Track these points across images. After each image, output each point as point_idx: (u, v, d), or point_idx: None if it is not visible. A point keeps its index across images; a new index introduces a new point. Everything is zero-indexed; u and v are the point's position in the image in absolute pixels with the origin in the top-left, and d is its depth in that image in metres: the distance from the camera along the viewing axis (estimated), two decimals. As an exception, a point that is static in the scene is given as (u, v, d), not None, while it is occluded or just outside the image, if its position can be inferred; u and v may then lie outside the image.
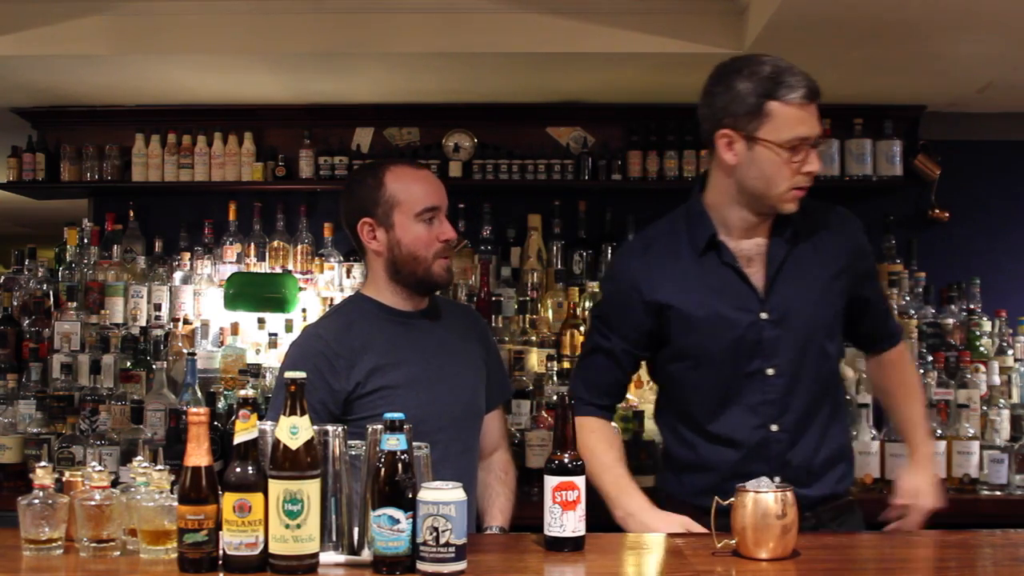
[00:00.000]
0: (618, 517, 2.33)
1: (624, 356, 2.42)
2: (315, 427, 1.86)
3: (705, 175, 2.44)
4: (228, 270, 4.20)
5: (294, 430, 1.81)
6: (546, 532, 1.98)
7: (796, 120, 2.21)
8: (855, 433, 3.46)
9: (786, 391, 2.31)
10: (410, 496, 1.81)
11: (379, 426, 1.86)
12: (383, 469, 1.81)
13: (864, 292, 2.42)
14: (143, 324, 4.05)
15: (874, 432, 3.53)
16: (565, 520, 1.96)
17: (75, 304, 3.99)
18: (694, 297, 2.32)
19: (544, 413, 3.60)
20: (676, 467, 2.45)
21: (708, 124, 2.32)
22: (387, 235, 2.43)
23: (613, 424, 2.55)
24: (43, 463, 2.02)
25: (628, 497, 2.34)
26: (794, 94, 2.21)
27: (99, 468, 1.96)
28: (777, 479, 2.25)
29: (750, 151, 2.24)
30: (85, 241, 4.26)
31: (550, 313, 4.10)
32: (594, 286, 4.16)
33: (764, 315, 2.30)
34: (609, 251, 4.26)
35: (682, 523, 2.25)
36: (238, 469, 1.80)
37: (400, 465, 1.81)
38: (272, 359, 3.93)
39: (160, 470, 1.93)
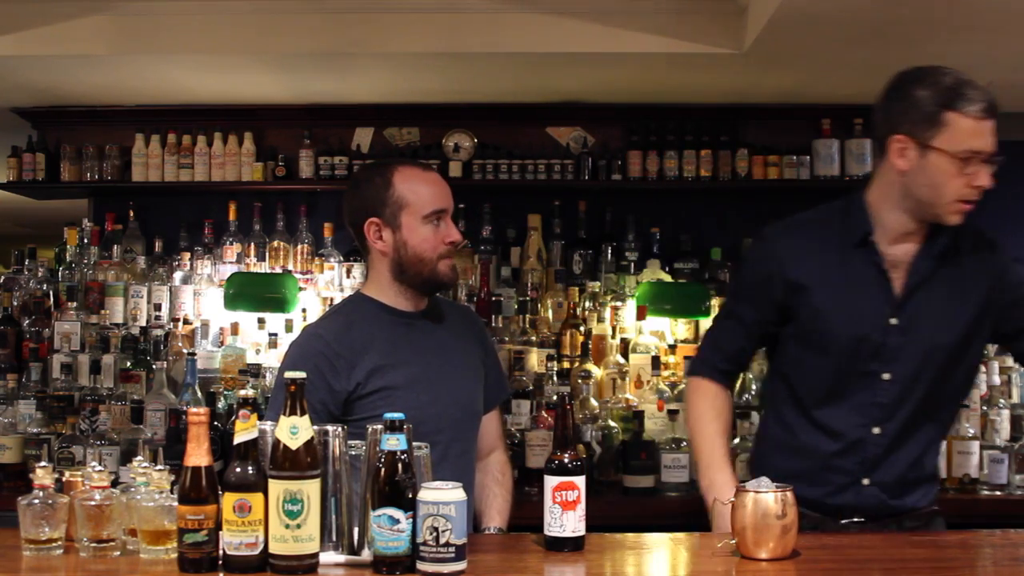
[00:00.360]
0: (702, 486, 2.39)
1: (754, 327, 2.45)
2: (315, 427, 1.86)
3: (871, 174, 2.44)
4: (228, 270, 4.20)
5: (294, 430, 1.81)
6: (546, 532, 1.98)
7: (972, 132, 2.24)
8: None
9: (897, 399, 2.32)
10: (410, 496, 1.81)
11: (379, 426, 1.86)
12: (383, 469, 1.81)
13: (1016, 314, 2.40)
14: (143, 324, 4.05)
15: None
16: (565, 520, 1.96)
17: (75, 304, 3.99)
18: (831, 286, 2.34)
19: (544, 413, 3.60)
20: (771, 447, 2.48)
21: (883, 129, 2.32)
22: (393, 236, 2.42)
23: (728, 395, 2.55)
24: (43, 463, 2.02)
25: (715, 471, 2.38)
26: (973, 107, 2.23)
27: (99, 468, 1.96)
28: (866, 481, 2.33)
29: (922, 159, 2.25)
30: (85, 241, 4.26)
31: (550, 313, 4.10)
32: (594, 286, 4.17)
33: (894, 320, 2.31)
34: (609, 251, 4.26)
35: None
36: (238, 469, 1.80)
37: (400, 465, 1.81)
38: (272, 359, 3.93)
39: (160, 470, 1.93)
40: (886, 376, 2.31)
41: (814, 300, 2.34)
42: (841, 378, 2.34)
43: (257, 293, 4.08)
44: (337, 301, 3.91)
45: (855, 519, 2.35)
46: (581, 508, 1.97)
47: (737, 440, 3.63)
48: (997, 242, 2.46)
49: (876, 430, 2.32)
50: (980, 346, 2.43)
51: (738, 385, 3.88)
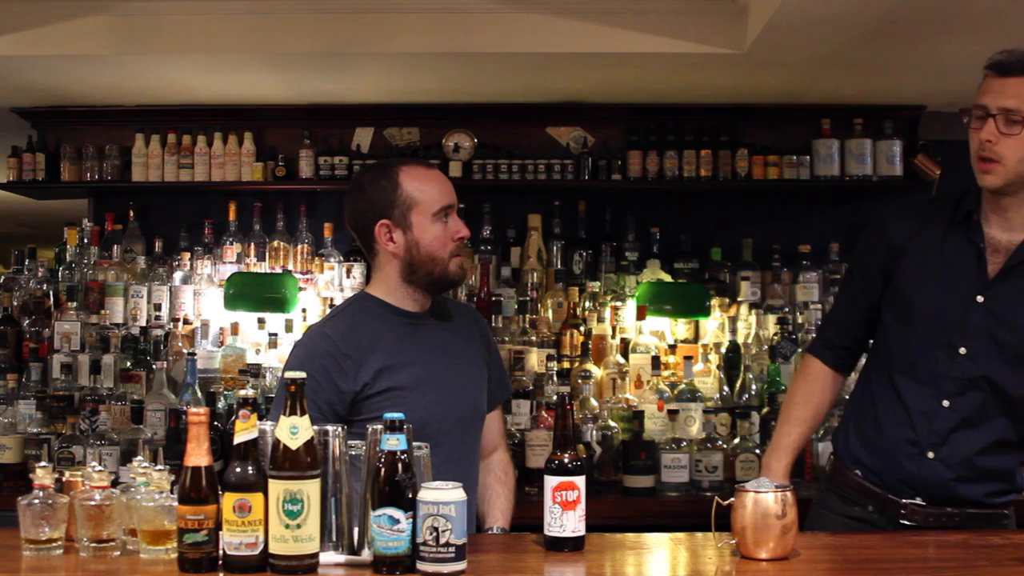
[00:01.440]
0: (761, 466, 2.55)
1: (862, 298, 2.50)
2: (315, 427, 1.86)
3: None
4: (228, 270, 4.20)
5: (294, 430, 1.81)
6: (546, 532, 1.98)
7: (983, 88, 2.30)
8: None
9: (970, 376, 2.34)
10: (410, 496, 1.81)
11: (379, 426, 1.86)
12: (383, 469, 1.81)
13: None
14: (143, 324, 4.05)
15: None
16: (565, 520, 1.96)
17: (75, 304, 3.99)
18: (926, 256, 2.40)
19: (544, 413, 3.60)
20: (853, 412, 2.53)
21: None
22: (405, 236, 2.42)
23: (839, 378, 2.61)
24: (43, 463, 2.02)
25: (773, 457, 2.51)
26: (988, 63, 2.30)
27: (99, 468, 1.96)
28: (931, 454, 2.34)
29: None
30: (85, 241, 4.26)
31: (550, 313, 4.10)
32: (594, 286, 4.17)
33: (980, 298, 2.34)
34: (609, 251, 4.26)
35: None
36: (238, 469, 1.80)
37: (400, 465, 1.81)
38: (272, 359, 3.93)
39: (160, 470, 1.93)
40: (963, 351, 2.34)
41: (908, 266, 2.41)
42: (920, 347, 2.38)
43: (257, 293, 4.08)
44: (337, 301, 3.91)
45: (917, 501, 2.35)
46: (581, 508, 1.97)
47: (737, 440, 3.63)
48: None
49: (946, 403, 2.35)
50: None
51: (738, 384, 3.89)
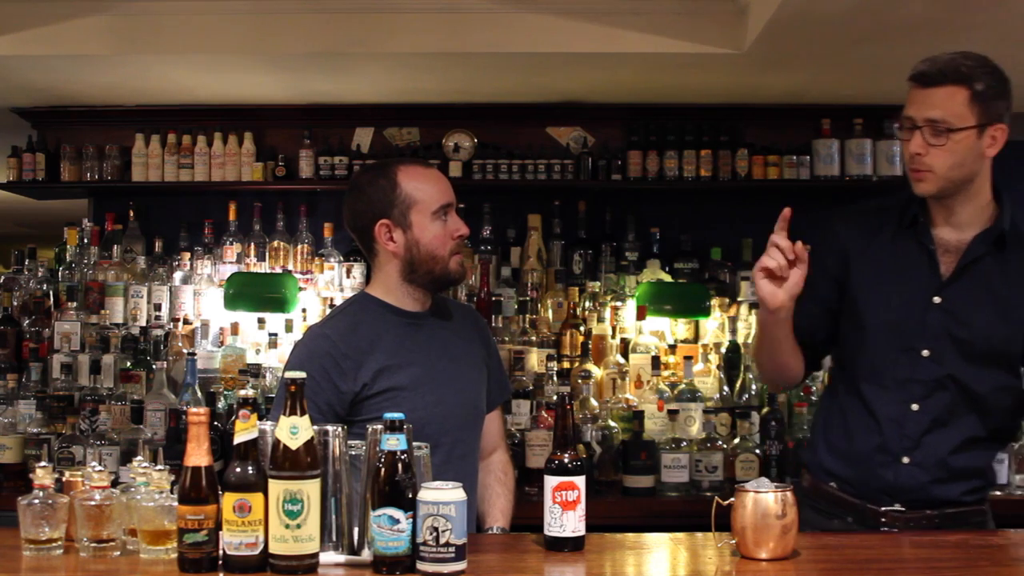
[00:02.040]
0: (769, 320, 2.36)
1: (817, 303, 2.44)
2: (315, 427, 1.86)
3: None
4: (228, 270, 4.20)
5: (294, 430, 1.81)
6: (546, 532, 1.98)
7: (909, 99, 2.34)
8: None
9: (936, 378, 2.33)
10: (410, 496, 1.81)
11: (379, 426, 1.86)
12: (383, 469, 1.81)
13: None
14: (143, 324, 4.05)
15: None
16: (565, 520, 1.96)
17: (75, 304, 3.99)
18: (877, 263, 2.40)
19: (544, 413, 3.60)
20: (823, 424, 2.51)
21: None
22: (405, 236, 2.42)
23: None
24: (43, 463, 2.01)
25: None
26: (911, 73, 2.34)
27: (99, 468, 1.95)
28: (906, 459, 2.33)
29: None
30: (85, 241, 4.26)
31: (550, 313, 4.10)
32: (594, 286, 4.17)
33: (937, 299, 2.34)
34: (609, 251, 4.26)
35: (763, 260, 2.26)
36: (238, 469, 1.80)
37: (400, 465, 1.81)
38: (272, 359, 3.93)
39: (160, 470, 1.93)
40: (925, 353, 2.33)
41: (861, 273, 2.40)
42: (882, 353, 2.36)
43: (257, 293, 4.08)
44: (337, 301, 3.91)
45: (896, 507, 2.34)
46: (581, 508, 1.97)
47: (737, 440, 3.63)
48: None
49: (914, 407, 2.34)
50: None
51: (738, 384, 3.89)
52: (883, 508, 2.35)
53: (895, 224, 2.42)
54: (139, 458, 2.08)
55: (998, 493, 3.49)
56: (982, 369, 2.34)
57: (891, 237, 2.41)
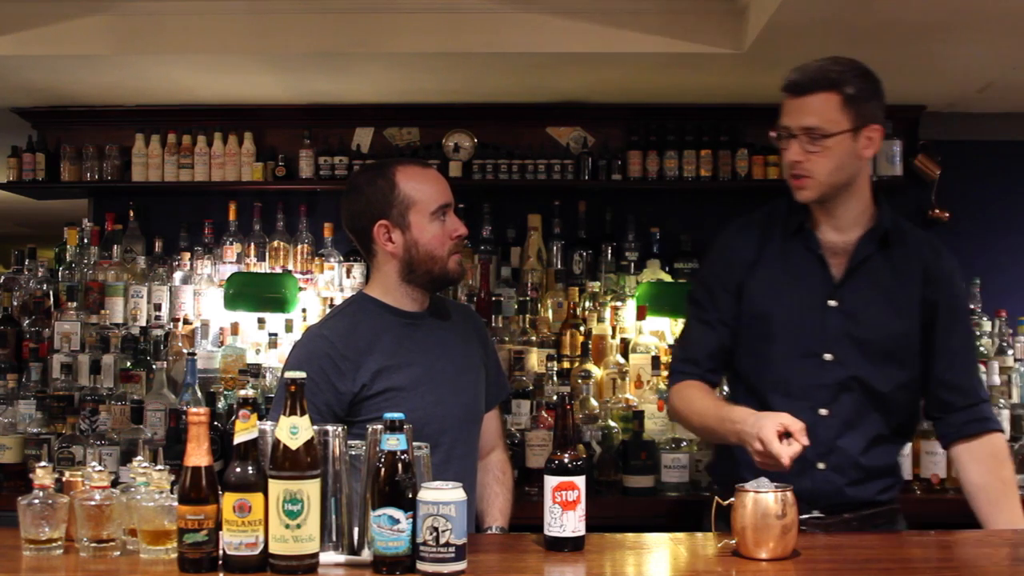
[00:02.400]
0: (731, 432, 2.24)
1: (718, 323, 2.46)
2: (315, 427, 1.86)
3: None
4: (228, 270, 4.20)
5: (294, 430, 1.81)
6: (546, 532, 1.98)
7: (783, 109, 2.35)
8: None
9: (841, 380, 2.35)
10: (410, 496, 1.81)
11: (379, 426, 1.86)
12: (383, 469, 1.81)
13: (936, 332, 2.40)
14: (143, 324, 4.05)
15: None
16: (565, 520, 1.96)
17: (75, 304, 3.99)
18: (771, 272, 2.42)
19: (544, 413, 3.60)
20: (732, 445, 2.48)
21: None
22: (403, 236, 2.42)
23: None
24: (43, 463, 2.02)
25: (731, 411, 2.29)
26: (783, 83, 2.35)
27: (99, 468, 1.95)
28: (821, 465, 2.33)
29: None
30: (85, 241, 4.26)
31: (550, 313, 4.10)
32: (594, 286, 4.17)
33: (832, 303, 2.37)
34: (609, 251, 4.26)
35: (780, 420, 2.15)
36: (238, 469, 1.80)
37: (400, 465, 1.81)
38: (272, 359, 3.93)
39: (160, 470, 1.93)
40: (828, 357, 2.35)
41: (757, 283, 2.42)
42: (786, 361, 2.37)
43: (257, 293, 4.07)
44: (337, 301, 3.91)
45: (815, 514, 2.33)
46: (581, 508, 1.97)
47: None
48: (940, 246, 2.49)
49: (823, 411, 2.35)
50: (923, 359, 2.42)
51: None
52: (802, 516, 2.28)
53: (781, 232, 2.44)
54: (139, 458, 2.08)
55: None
56: (884, 368, 2.36)
57: (781, 245, 2.43)
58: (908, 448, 3.48)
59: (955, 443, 2.44)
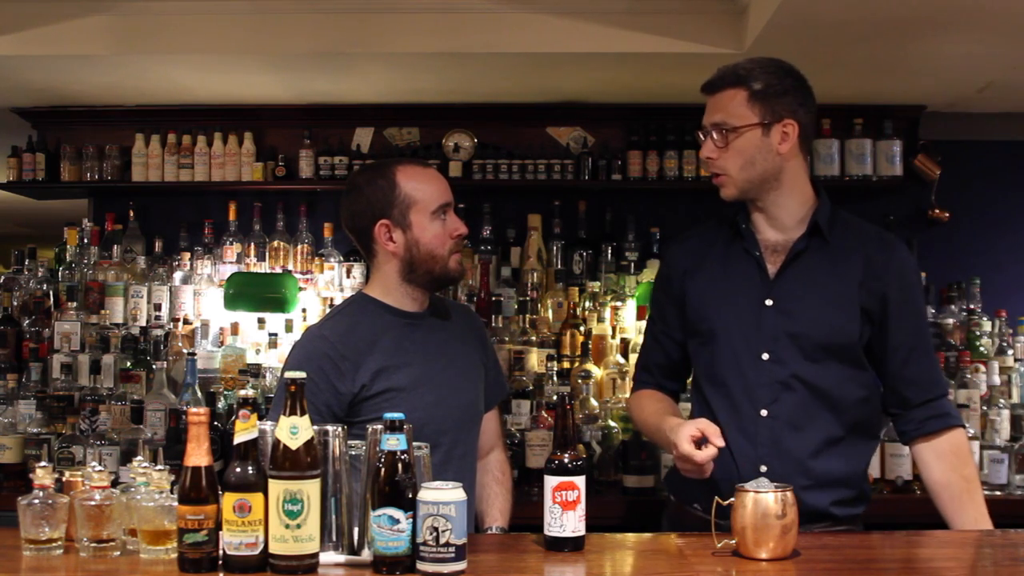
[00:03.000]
0: (664, 442, 2.34)
1: (667, 336, 2.52)
2: (315, 427, 1.86)
3: None
4: (228, 270, 4.20)
5: (294, 430, 1.81)
6: (546, 532, 1.98)
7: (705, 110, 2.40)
8: None
9: (781, 380, 2.33)
10: (410, 496, 1.81)
11: (379, 426, 1.86)
12: (383, 469, 1.81)
13: (889, 325, 2.38)
14: (143, 324, 4.05)
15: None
16: (565, 520, 1.96)
17: (75, 304, 3.99)
18: (710, 273, 2.44)
19: (544, 413, 3.60)
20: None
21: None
22: (404, 236, 2.42)
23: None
24: (43, 463, 2.02)
25: (664, 420, 2.34)
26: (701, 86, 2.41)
27: (99, 468, 1.96)
28: (763, 468, 2.29)
29: None
30: (85, 241, 4.26)
31: (550, 313, 4.10)
32: (594, 286, 4.17)
33: (769, 301, 2.36)
34: (609, 251, 4.26)
35: (696, 425, 2.19)
36: (238, 469, 1.80)
37: (400, 465, 1.81)
38: (272, 359, 3.93)
39: (160, 470, 1.93)
40: (765, 356, 2.34)
41: (697, 289, 2.44)
42: (726, 363, 2.37)
43: (257, 293, 4.07)
44: (337, 301, 3.91)
45: None
46: (581, 508, 1.97)
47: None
48: (891, 238, 2.49)
49: (764, 412, 2.34)
50: (878, 354, 2.41)
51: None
52: None
53: (726, 236, 2.46)
54: (139, 458, 2.08)
55: (998, 493, 3.49)
56: (824, 364, 2.34)
57: (723, 250, 2.45)
58: (908, 448, 3.48)
59: (916, 440, 2.42)
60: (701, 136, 2.40)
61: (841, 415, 2.36)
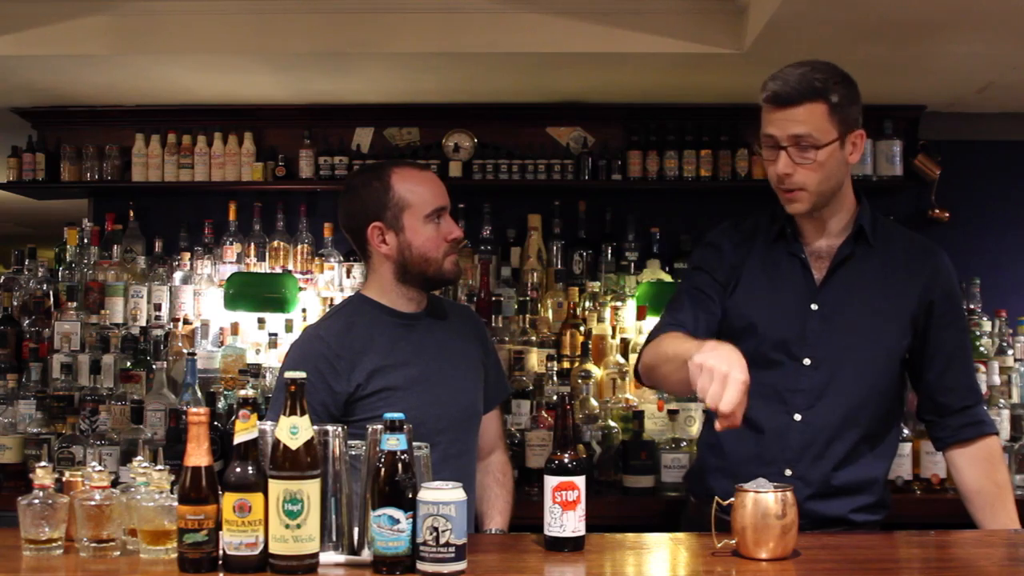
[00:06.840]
0: (692, 363, 2.04)
1: (708, 294, 2.40)
2: (315, 427, 1.86)
3: None
4: (228, 270, 4.20)
5: (294, 430, 1.81)
6: (546, 532, 1.98)
7: (766, 119, 2.32)
8: None
9: (819, 387, 2.32)
10: (410, 496, 1.81)
11: (379, 426, 1.86)
12: (383, 469, 1.81)
13: (930, 333, 2.37)
14: (143, 324, 4.05)
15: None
16: (565, 520, 1.96)
17: (75, 304, 3.99)
18: (755, 274, 2.39)
19: (544, 413, 3.60)
20: (706, 441, 2.49)
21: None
22: (397, 238, 2.42)
23: None
24: (43, 463, 2.01)
25: (693, 346, 2.09)
26: (764, 93, 2.31)
27: (99, 468, 1.96)
28: (788, 472, 2.29)
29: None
30: (85, 241, 4.26)
31: (550, 313, 4.10)
32: (594, 286, 4.17)
33: (814, 306, 2.34)
34: (609, 251, 4.27)
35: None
36: (238, 469, 1.80)
37: (400, 465, 1.81)
38: (272, 359, 3.93)
39: (160, 470, 1.93)
40: (807, 362, 2.32)
41: (742, 287, 2.39)
42: (764, 363, 2.31)
43: (257, 293, 4.07)
44: (337, 301, 3.91)
45: None
46: (581, 508, 1.97)
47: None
48: (936, 249, 2.45)
49: (797, 417, 2.32)
50: (917, 359, 2.40)
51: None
52: None
53: (764, 238, 2.43)
54: (139, 458, 2.08)
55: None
56: (864, 375, 2.32)
57: (764, 251, 2.41)
58: (908, 448, 3.49)
59: (951, 447, 2.42)
60: (766, 145, 2.31)
61: (871, 424, 2.36)
